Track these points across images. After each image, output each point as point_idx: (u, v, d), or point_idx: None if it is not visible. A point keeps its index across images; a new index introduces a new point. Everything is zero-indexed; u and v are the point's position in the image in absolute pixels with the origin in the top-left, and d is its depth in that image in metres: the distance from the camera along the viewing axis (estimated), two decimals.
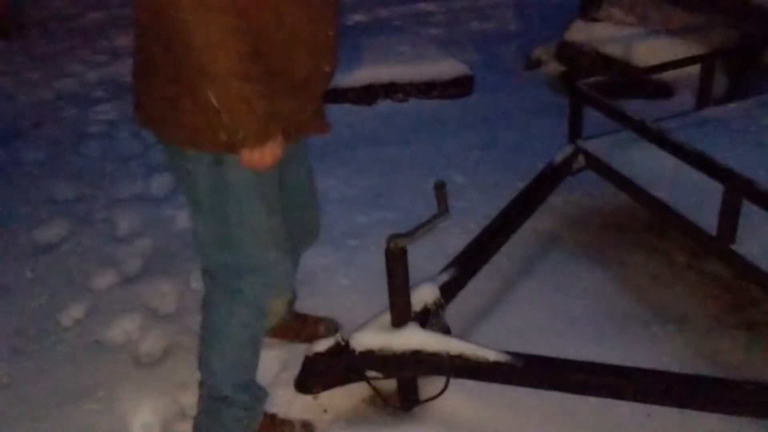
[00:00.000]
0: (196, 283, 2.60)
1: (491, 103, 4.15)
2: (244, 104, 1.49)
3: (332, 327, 2.38)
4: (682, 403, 1.87)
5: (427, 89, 4.14)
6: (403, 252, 1.94)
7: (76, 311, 2.52)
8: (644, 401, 1.89)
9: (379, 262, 2.64)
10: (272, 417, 2.05)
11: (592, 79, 2.90)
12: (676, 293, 2.58)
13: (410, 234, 1.94)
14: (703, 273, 2.68)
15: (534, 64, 4.56)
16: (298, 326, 2.36)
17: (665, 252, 2.80)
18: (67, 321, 2.48)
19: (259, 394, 1.97)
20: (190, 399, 2.12)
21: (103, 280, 2.67)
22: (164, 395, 2.14)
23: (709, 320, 2.45)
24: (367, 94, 4.04)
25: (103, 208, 3.18)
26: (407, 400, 2.14)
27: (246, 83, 1.48)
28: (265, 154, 1.58)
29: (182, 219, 3.00)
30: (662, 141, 2.45)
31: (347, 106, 3.99)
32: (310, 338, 2.23)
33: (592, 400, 2.01)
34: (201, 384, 1.92)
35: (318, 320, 2.39)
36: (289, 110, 1.66)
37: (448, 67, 4.22)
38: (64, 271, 2.74)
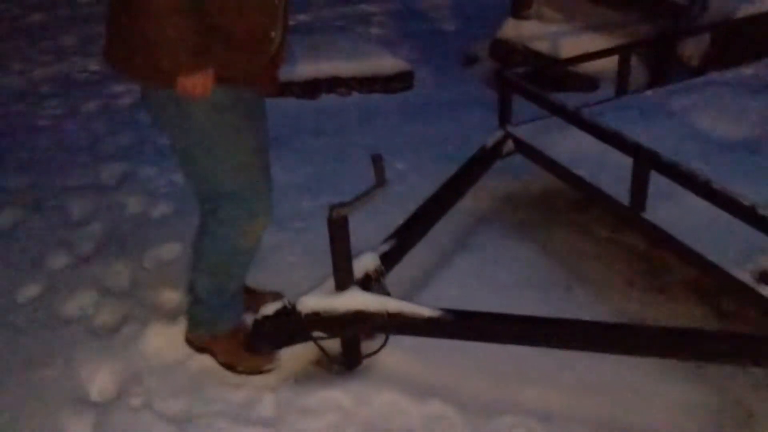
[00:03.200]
0: (149, 262, 2.73)
1: (430, 97, 4.37)
2: (176, 37, 1.77)
3: (277, 299, 2.54)
4: (594, 348, 2.09)
5: (369, 84, 4.34)
6: (345, 220, 2.12)
7: (32, 290, 2.62)
8: (560, 347, 2.11)
9: (324, 242, 2.82)
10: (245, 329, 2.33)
11: (519, 69, 3.14)
12: (597, 262, 2.82)
13: (351, 203, 2.12)
14: (621, 244, 2.93)
15: (470, 61, 4.79)
16: (248, 300, 2.52)
17: (587, 227, 3.04)
18: (23, 299, 2.58)
19: (233, 305, 2.31)
20: (145, 363, 2.26)
21: (58, 260, 2.77)
22: (120, 361, 2.27)
23: (625, 284, 2.69)
24: (311, 88, 4.21)
25: (54, 195, 3.27)
26: (350, 359, 2.31)
27: (180, 21, 1.76)
28: (195, 83, 1.84)
29: (133, 204, 3.12)
30: (580, 122, 2.69)
31: (292, 99, 4.15)
32: (251, 310, 2.41)
33: (514, 352, 2.22)
34: (190, 288, 2.31)
35: (266, 294, 2.54)
36: (232, 61, 1.91)
37: (389, 63, 4.42)
38: (19, 253, 2.83)
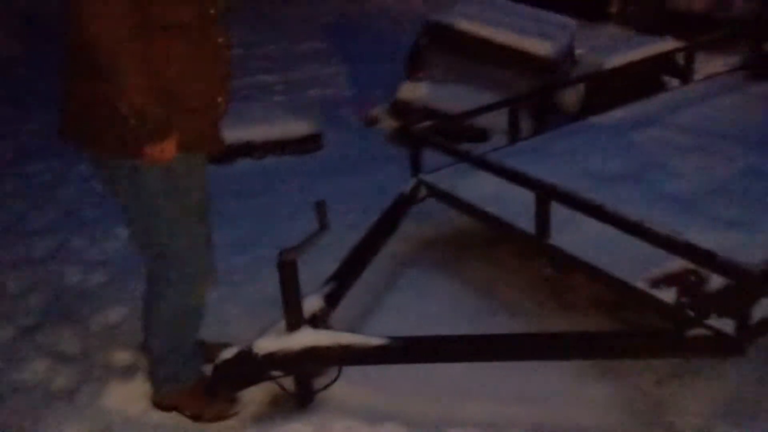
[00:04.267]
0: (96, 327, 2.82)
1: (340, 156, 4.66)
2: (146, 111, 1.98)
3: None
4: (524, 356, 2.39)
5: (281, 147, 4.59)
6: (294, 264, 2.33)
7: None
8: (496, 359, 2.39)
9: (265, 291, 3.01)
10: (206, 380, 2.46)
11: (425, 124, 3.50)
12: (512, 289, 3.14)
13: (298, 247, 2.35)
14: (530, 271, 3.27)
15: (372, 122, 5.15)
16: (201, 353, 2.67)
17: (499, 259, 3.38)
18: None
19: (192, 360, 2.43)
20: (109, 419, 2.36)
21: (3, 333, 2.81)
22: (84, 420, 2.36)
23: (538, 306, 3.02)
24: (227, 154, 4.41)
25: None
26: (304, 396, 2.49)
27: (147, 97, 1.97)
28: (162, 151, 2.05)
29: (70, 275, 3.20)
30: (486, 165, 3.05)
31: (209, 166, 4.32)
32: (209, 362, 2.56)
33: (452, 372, 2.47)
34: (145, 347, 2.45)
35: (217, 345, 2.68)
36: (187, 126, 2.12)
37: (298, 127, 4.70)
38: None
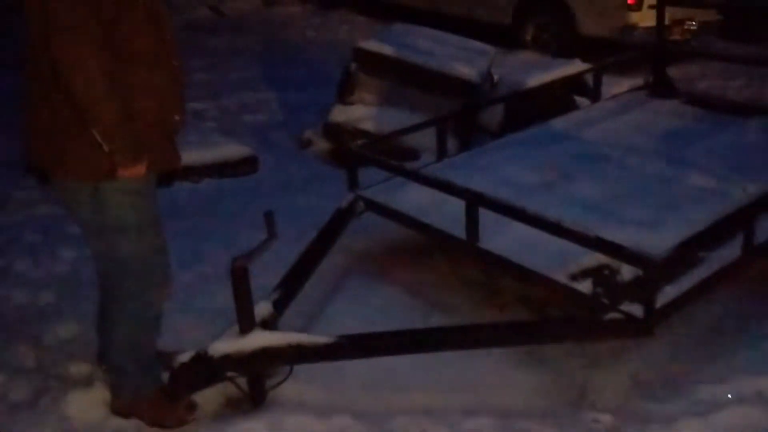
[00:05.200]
0: (49, 342, 2.90)
1: (277, 177, 4.83)
2: (119, 137, 2.15)
3: None
4: (456, 347, 2.62)
5: (218, 170, 4.73)
6: (245, 270, 2.50)
7: None
8: (436, 350, 2.60)
9: (213, 303, 3.15)
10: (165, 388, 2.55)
11: (361, 142, 3.73)
12: (445, 292, 3.38)
13: (249, 255, 2.52)
14: (461, 276, 3.52)
15: (305, 144, 5.35)
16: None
17: (433, 266, 3.61)
18: None
19: (152, 368, 2.53)
20: (69, 427, 2.45)
21: None
22: (46, 429, 2.44)
23: (471, 307, 3.27)
24: (165, 178, 4.51)
25: None
26: (257, 395, 2.64)
27: (121, 124, 2.14)
28: (137, 171, 2.22)
29: (17, 296, 3.26)
30: (419, 178, 3.29)
31: None
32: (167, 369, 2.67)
33: (393, 364, 2.67)
34: (103, 359, 2.53)
35: (172, 354, 2.79)
36: (149, 143, 2.27)
37: (233, 150, 4.86)
38: None
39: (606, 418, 2.54)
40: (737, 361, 2.81)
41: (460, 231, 3.07)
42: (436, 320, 3.14)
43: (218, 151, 4.81)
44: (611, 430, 2.50)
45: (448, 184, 3.11)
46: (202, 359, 2.50)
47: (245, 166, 4.86)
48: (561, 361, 2.84)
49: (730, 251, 2.83)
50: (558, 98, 4.84)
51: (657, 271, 2.44)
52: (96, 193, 2.29)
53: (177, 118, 2.38)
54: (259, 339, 2.53)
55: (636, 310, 2.51)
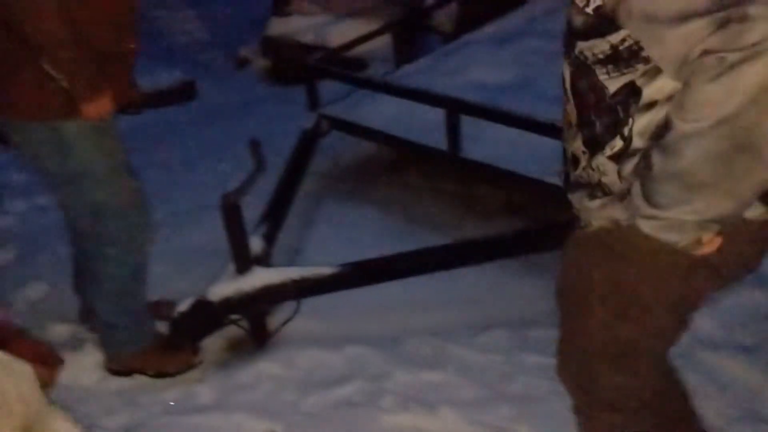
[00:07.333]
0: (20, 305, 2.67)
1: (217, 102, 4.55)
2: (76, 67, 1.91)
3: (170, 304, 2.62)
4: (463, 262, 2.54)
5: (155, 99, 4.39)
6: (237, 206, 2.32)
7: None
8: (440, 269, 2.52)
9: (188, 244, 2.96)
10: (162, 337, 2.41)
11: (318, 55, 3.49)
12: (427, 208, 3.29)
13: (239, 190, 2.33)
14: (438, 190, 3.42)
15: (242, 64, 5.03)
16: None
17: (406, 181, 3.50)
18: None
19: (145, 319, 2.37)
20: (67, 394, 2.26)
21: None
22: None
23: (454, 220, 3.19)
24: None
25: None
26: (260, 337, 2.51)
27: (74, 52, 1.89)
28: (100, 106, 1.98)
29: None
30: (390, 89, 3.12)
31: None
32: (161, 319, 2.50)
33: (395, 291, 2.57)
34: (89, 316, 2.38)
35: (156, 303, 2.61)
36: (110, 75, 2.03)
37: (167, 77, 4.52)
38: None
39: None
40: None
41: (437, 142, 2.95)
42: (423, 237, 3.04)
43: (152, 78, 4.45)
44: None
45: (426, 93, 2.96)
46: (202, 306, 2.34)
47: (181, 92, 4.55)
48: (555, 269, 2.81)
49: None
50: None
51: None
52: (55, 136, 2.04)
53: (132, 46, 2.13)
54: (259, 277, 2.39)
55: None
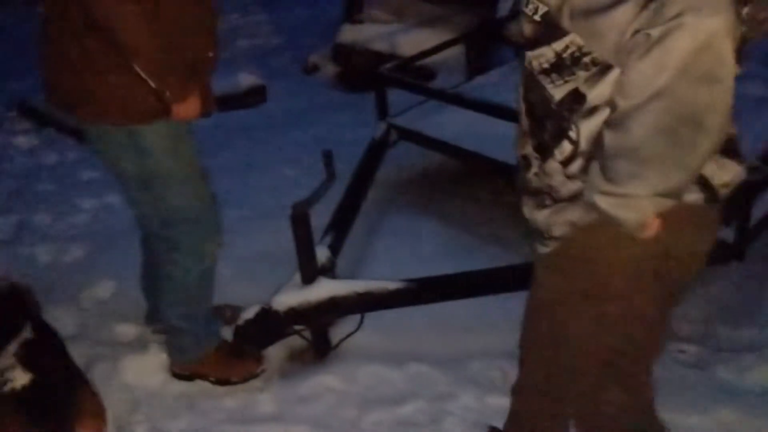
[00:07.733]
0: (87, 304, 2.70)
1: (286, 107, 4.55)
2: (168, 70, 1.92)
3: (235, 309, 2.62)
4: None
5: (226, 102, 4.43)
6: (306, 216, 2.30)
7: None
8: (514, 290, 2.45)
9: (252, 250, 2.96)
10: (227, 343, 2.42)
11: (390, 65, 3.46)
12: (495, 224, 3.21)
13: (309, 200, 2.32)
14: (504, 204, 3.34)
15: (311, 69, 5.04)
16: None
17: (474, 195, 3.43)
18: None
19: (211, 324, 2.37)
20: (132, 395, 2.29)
21: None
22: (107, 398, 2.25)
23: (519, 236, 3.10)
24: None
25: None
26: (322, 348, 2.49)
27: (164, 55, 1.91)
28: (189, 107, 2.00)
29: (41, 254, 3.03)
30: (462, 101, 3.06)
31: None
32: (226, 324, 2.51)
33: (459, 308, 2.51)
34: (155, 318, 2.39)
35: (222, 307, 2.62)
36: (198, 80, 2.05)
37: (240, 80, 4.55)
38: None
39: (692, 349, 2.43)
40: None
41: (507, 156, 2.86)
42: (493, 254, 2.98)
43: (224, 81, 4.48)
44: (699, 361, 2.39)
45: (498, 106, 2.88)
46: (267, 314, 2.33)
47: (254, 96, 4.57)
48: None
49: None
50: None
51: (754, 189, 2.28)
52: (134, 140, 2.05)
53: (211, 54, 2.12)
54: (324, 289, 2.37)
55: (724, 233, 2.36)
